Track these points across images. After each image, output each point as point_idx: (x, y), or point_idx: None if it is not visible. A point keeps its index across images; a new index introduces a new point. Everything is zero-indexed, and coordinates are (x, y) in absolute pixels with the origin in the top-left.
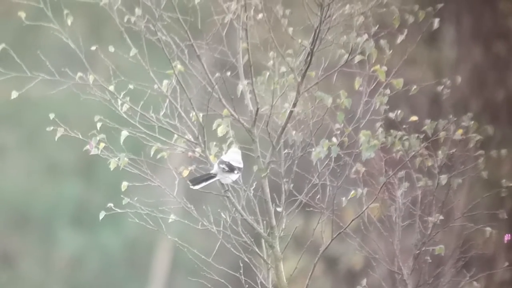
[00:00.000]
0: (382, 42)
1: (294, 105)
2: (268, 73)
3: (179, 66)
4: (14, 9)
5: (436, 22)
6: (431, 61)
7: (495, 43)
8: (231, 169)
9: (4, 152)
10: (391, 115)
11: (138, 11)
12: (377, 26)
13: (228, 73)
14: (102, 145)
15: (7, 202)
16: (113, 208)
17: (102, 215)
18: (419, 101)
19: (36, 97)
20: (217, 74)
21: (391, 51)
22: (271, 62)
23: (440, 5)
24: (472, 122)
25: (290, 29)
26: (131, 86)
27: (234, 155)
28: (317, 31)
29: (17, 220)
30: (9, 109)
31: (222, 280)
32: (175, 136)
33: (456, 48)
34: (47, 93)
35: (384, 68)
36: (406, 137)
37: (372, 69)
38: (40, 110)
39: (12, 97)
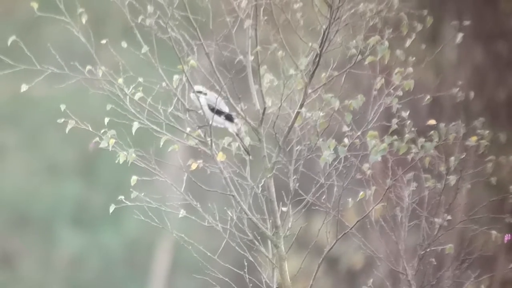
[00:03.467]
0: (400, 52)
1: (302, 105)
2: (295, 72)
3: (192, 62)
4: (16, 6)
5: (459, 37)
6: (433, 61)
7: (496, 43)
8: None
9: (4, 152)
10: (404, 114)
11: (150, 8)
12: (391, 29)
13: (241, 56)
14: (112, 141)
15: (8, 202)
16: (123, 200)
17: (112, 208)
18: (420, 101)
19: (37, 97)
20: (240, 57)
21: (413, 58)
22: (280, 62)
23: (467, 22)
24: (487, 132)
25: (300, 30)
26: (140, 79)
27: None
28: (326, 32)
29: (17, 220)
30: (9, 109)
31: (227, 279)
32: (185, 132)
33: (457, 48)
34: (48, 92)
35: (410, 70)
36: (418, 139)
37: (396, 71)
38: (40, 110)
39: (22, 90)
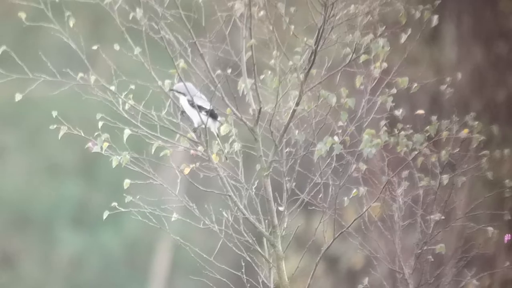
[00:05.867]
0: (382, 40)
1: (297, 104)
2: (270, 72)
3: (182, 64)
4: (13, 10)
5: (435, 19)
6: (432, 61)
7: (495, 42)
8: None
9: (4, 152)
10: (397, 112)
11: (139, 11)
12: (384, 27)
13: (229, 70)
14: (106, 144)
15: (8, 202)
16: (117, 207)
17: (105, 214)
18: (419, 100)
19: (36, 98)
20: (225, 72)
21: (389, 48)
22: (274, 60)
23: (438, 1)
24: (477, 122)
25: (295, 28)
26: (132, 87)
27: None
28: (321, 30)
29: (17, 220)
30: (9, 109)
31: (224, 279)
32: (178, 135)
33: (457, 48)
34: (47, 93)
35: (385, 64)
36: (409, 133)
37: (373, 66)
38: (40, 111)
39: (16, 100)
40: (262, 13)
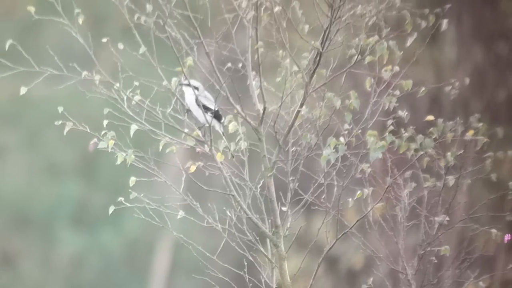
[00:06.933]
0: (392, 43)
1: (302, 105)
2: (282, 72)
3: (189, 62)
4: (16, 8)
5: (444, 24)
6: (432, 61)
7: (496, 43)
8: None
9: (4, 152)
10: (401, 113)
11: (149, 7)
12: (389, 28)
13: (240, 65)
14: (112, 142)
15: (8, 202)
16: (123, 202)
17: (111, 209)
18: (420, 100)
19: (36, 97)
20: (234, 67)
21: (401, 53)
22: (281, 61)
23: (448, 6)
24: (482, 124)
25: (306, 27)
26: (136, 83)
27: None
28: (327, 31)
29: (17, 220)
30: (9, 109)
31: (226, 279)
32: (184, 133)
33: (457, 48)
34: (48, 91)
35: (397, 68)
36: (413, 135)
37: (384, 69)
38: (40, 111)
39: (21, 93)
40: (268, 8)
